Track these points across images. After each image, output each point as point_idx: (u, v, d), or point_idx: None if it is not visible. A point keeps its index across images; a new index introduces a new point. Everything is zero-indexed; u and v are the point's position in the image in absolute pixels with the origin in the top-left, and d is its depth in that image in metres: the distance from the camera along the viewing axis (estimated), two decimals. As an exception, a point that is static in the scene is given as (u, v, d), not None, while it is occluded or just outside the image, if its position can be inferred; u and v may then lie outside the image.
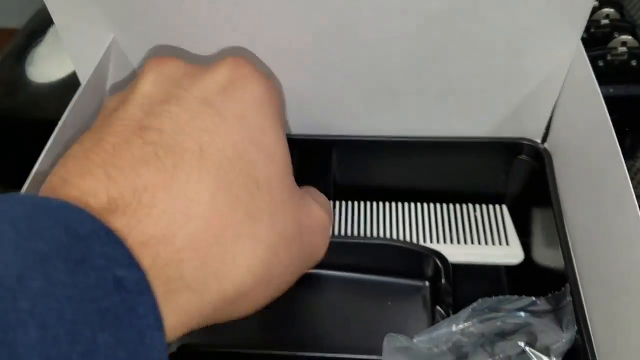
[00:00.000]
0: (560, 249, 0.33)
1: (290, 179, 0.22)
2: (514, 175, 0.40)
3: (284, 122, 0.24)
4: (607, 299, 0.29)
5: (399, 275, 0.35)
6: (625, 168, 0.27)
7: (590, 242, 0.32)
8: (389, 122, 0.38)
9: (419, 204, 0.40)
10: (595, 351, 0.28)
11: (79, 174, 0.18)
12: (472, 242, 0.38)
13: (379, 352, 0.29)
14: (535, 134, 0.39)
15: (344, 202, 0.40)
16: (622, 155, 0.28)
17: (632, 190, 0.27)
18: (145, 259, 0.17)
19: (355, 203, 0.40)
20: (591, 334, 0.29)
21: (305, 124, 0.38)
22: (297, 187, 0.23)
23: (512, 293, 0.38)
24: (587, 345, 0.28)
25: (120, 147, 0.19)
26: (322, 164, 0.39)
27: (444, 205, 0.40)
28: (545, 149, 0.38)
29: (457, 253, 0.36)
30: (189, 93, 0.21)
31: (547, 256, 0.36)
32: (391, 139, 0.38)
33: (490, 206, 0.41)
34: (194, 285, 0.18)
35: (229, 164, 0.20)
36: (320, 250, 0.24)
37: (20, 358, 0.13)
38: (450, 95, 0.36)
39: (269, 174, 0.21)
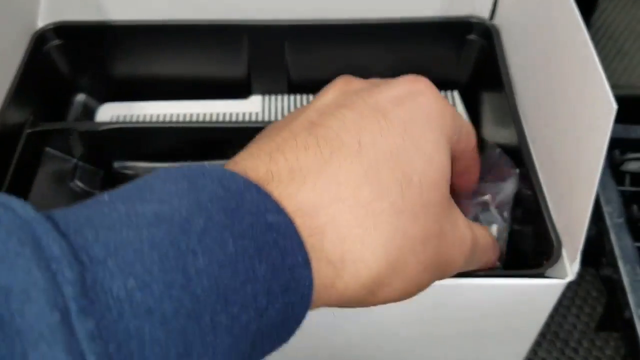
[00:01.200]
0: (513, 125, 0.33)
1: (444, 187, 0.23)
2: (464, 58, 0.40)
3: (450, 142, 0.24)
4: (562, 175, 0.30)
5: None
6: (586, 32, 0.27)
7: (543, 118, 0.32)
8: (334, 3, 0.36)
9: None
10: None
11: (246, 157, 0.20)
12: None
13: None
14: (482, 11, 0.39)
15: (298, 95, 0.40)
16: (582, 22, 0.28)
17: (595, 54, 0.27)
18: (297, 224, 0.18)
19: (310, 95, 0.40)
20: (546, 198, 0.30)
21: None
22: (451, 199, 0.24)
23: None
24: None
25: (288, 138, 0.21)
26: (275, 55, 0.38)
27: None
28: (493, 26, 0.38)
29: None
30: (363, 100, 0.22)
31: (500, 135, 0.36)
32: (341, 23, 0.37)
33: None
34: (333, 259, 0.19)
35: (383, 159, 0.21)
36: (455, 265, 0.24)
37: (191, 279, 0.15)
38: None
39: (424, 175, 0.22)
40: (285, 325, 0.18)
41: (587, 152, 0.27)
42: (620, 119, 0.41)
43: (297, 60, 0.39)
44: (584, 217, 0.26)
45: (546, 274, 0.29)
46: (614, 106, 0.24)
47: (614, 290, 0.34)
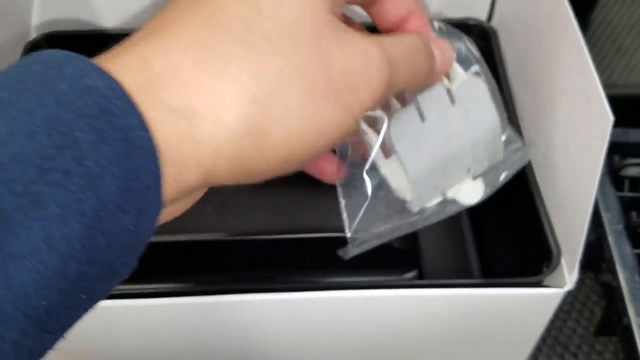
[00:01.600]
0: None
1: (318, 7, 0.19)
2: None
3: None
4: (561, 183, 0.29)
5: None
6: (583, 39, 0.27)
7: (542, 125, 0.32)
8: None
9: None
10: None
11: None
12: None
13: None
14: (480, 13, 0.38)
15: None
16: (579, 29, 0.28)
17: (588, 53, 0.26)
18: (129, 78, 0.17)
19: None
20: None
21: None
22: (335, 20, 0.20)
23: None
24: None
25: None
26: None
27: None
28: (491, 27, 0.38)
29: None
30: None
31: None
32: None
33: None
34: (181, 109, 0.17)
35: None
36: (366, 88, 0.19)
37: None
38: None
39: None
40: (140, 192, 0.16)
41: (585, 163, 0.27)
42: (619, 119, 0.41)
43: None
44: (582, 226, 0.26)
45: (545, 283, 0.29)
46: (610, 118, 0.24)
47: (613, 297, 0.34)
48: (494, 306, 0.30)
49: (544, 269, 0.29)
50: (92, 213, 0.15)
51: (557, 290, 0.28)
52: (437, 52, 0.23)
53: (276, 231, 0.33)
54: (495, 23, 0.38)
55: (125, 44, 0.18)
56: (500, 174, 0.26)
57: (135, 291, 0.27)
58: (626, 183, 0.36)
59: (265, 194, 0.34)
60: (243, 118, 0.17)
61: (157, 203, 0.16)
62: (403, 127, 0.22)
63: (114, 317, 0.29)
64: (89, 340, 0.30)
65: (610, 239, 0.34)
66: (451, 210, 0.25)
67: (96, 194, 0.15)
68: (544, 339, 0.37)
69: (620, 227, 0.34)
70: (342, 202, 0.24)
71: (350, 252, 0.25)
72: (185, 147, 0.17)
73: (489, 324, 0.31)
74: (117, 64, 0.17)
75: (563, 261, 0.29)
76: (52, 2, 0.37)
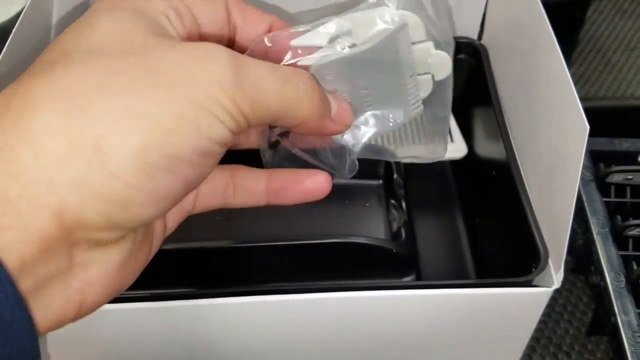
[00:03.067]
0: (501, 140, 0.35)
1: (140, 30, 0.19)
2: (455, 76, 0.42)
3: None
4: (549, 189, 0.31)
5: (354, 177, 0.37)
6: (561, 56, 0.29)
7: (529, 135, 0.34)
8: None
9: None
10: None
11: None
12: (420, 142, 0.39)
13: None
14: (471, 32, 0.41)
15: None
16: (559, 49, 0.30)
17: (569, 74, 0.29)
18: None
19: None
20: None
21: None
22: (167, 39, 0.20)
23: (457, 186, 0.42)
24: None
25: None
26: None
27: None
28: (481, 45, 0.40)
29: (406, 152, 0.38)
30: None
31: (489, 149, 0.38)
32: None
33: None
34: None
35: None
36: (206, 85, 0.18)
37: None
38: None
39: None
40: None
41: (565, 171, 0.29)
42: (608, 130, 0.43)
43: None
44: (566, 229, 0.28)
45: (534, 283, 0.31)
46: (586, 127, 0.26)
47: (601, 297, 0.35)
48: (487, 305, 0.31)
49: (533, 269, 0.31)
50: None
51: (546, 290, 0.30)
52: (333, 101, 0.22)
53: (276, 239, 0.35)
54: (485, 41, 0.41)
55: None
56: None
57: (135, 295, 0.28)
58: (612, 189, 0.38)
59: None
60: (69, 139, 0.16)
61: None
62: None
63: (112, 321, 0.30)
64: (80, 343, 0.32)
65: (597, 242, 0.36)
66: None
67: None
68: (537, 340, 0.39)
69: (606, 230, 0.36)
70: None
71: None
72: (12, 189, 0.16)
73: (484, 323, 0.32)
74: None
75: (550, 262, 0.31)
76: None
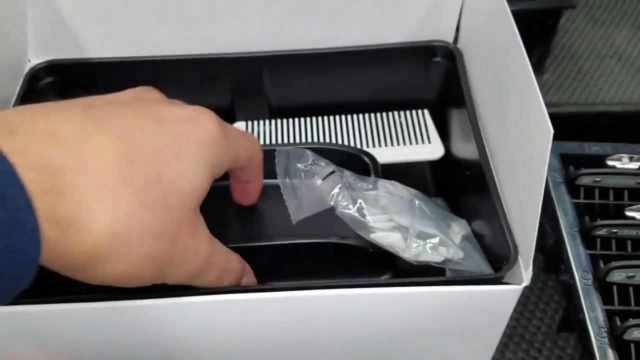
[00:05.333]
0: (474, 142, 0.36)
1: (193, 201, 0.25)
2: (431, 78, 0.43)
3: (213, 169, 0.26)
4: (519, 190, 0.32)
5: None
6: (526, 55, 0.30)
7: (499, 137, 0.35)
8: (310, 34, 0.39)
9: (348, 116, 0.42)
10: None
11: (12, 112, 0.22)
12: (398, 144, 0.40)
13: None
14: (447, 35, 0.42)
15: (279, 120, 0.42)
16: (527, 60, 0.31)
17: (535, 81, 0.30)
18: (29, 176, 0.20)
19: (290, 120, 0.42)
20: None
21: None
22: (199, 216, 0.26)
23: (435, 186, 0.43)
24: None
25: (60, 109, 0.23)
26: (255, 84, 0.41)
27: (372, 115, 0.43)
28: (456, 48, 0.41)
29: (386, 154, 0.39)
30: (148, 106, 0.25)
31: (464, 150, 0.39)
32: (316, 52, 0.40)
33: (413, 111, 0.43)
34: (62, 220, 0.20)
35: (143, 153, 0.23)
36: (181, 271, 0.25)
37: None
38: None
39: (174, 182, 0.24)
40: (16, 264, 0.20)
41: (532, 173, 0.30)
42: (580, 134, 0.44)
43: (276, 87, 0.41)
44: (533, 228, 0.29)
45: (505, 280, 0.32)
46: (551, 130, 0.27)
47: (570, 294, 0.37)
48: (459, 302, 0.32)
49: (503, 266, 0.32)
50: None
51: (516, 287, 0.31)
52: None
53: (250, 240, 0.35)
54: (460, 44, 0.42)
55: (47, 138, 0.21)
56: None
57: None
58: (581, 191, 0.39)
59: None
60: (95, 246, 0.21)
61: (30, 273, 0.20)
62: None
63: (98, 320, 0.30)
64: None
65: (567, 241, 0.37)
66: None
67: None
68: (510, 336, 0.40)
69: (575, 230, 0.37)
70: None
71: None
72: (52, 248, 0.20)
73: (456, 320, 0.33)
74: (34, 158, 0.20)
75: (520, 260, 0.32)
76: (48, 33, 0.40)
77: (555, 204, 0.39)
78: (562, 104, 0.53)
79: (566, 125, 0.53)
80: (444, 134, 0.42)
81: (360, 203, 0.33)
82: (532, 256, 0.30)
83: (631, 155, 0.39)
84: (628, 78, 0.56)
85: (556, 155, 0.41)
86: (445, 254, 0.33)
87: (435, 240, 0.33)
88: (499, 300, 0.32)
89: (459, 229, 0.35)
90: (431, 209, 0.34)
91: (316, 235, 0.35)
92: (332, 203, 0.33)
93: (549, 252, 0.41)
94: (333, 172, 0.34)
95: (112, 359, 0.33)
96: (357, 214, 0.33)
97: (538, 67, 0.56)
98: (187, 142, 0.25)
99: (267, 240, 0.35)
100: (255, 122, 0.42)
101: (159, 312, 0.30)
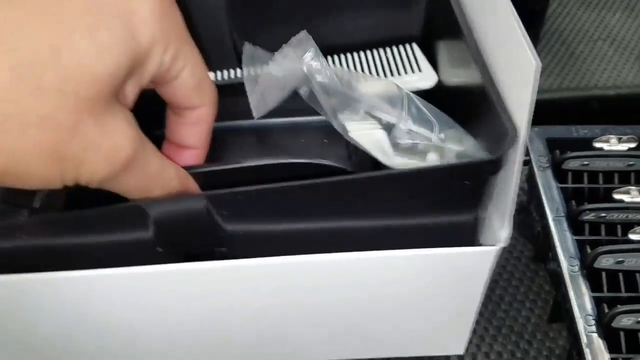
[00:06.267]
0: (475, 68, 0.33)
1: (102, 89, 0.21)
2: (415, 9, 0.40)
3: (134, 53, 0.22)
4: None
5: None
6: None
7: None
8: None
9: (330, 57, 0.40)
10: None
11: None
12: (391, 75, 0.38)
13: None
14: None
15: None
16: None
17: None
18: None
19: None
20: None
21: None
22: (115, 104, 0.22)
23: None
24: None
25: None
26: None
27: (358, 54, 0.40)
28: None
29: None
30: None
31: (461, 76, 0.36)
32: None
33: (401, 46, 0.40)
34: None
35: (34, 13, 0.19)
36: (91, 169, 0.21)
37: None
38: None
39: (76, 59, 0.20)
40: None
41: (514, 110, 0.27)
42: (570, 119, 0.43)
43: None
44: (512, 179, 0.26)
45: (481, 242, 0.29)
46: (533, 63, 0.25)
47: (559, 283, 0.35)
48: (434, 266, 0.30)
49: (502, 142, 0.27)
50: None
51: (491, 248, 0.29)
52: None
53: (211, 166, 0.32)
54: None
55: None
56: None
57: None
58: (569, 176, 0.38)
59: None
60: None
61: None
62: None
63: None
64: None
65: (552, 227, 0.36)
66: None
67: None
68: (499, 329, 0.39)
69: (562, 216, 0.36)
70: None
71: None
72: None
73: (432, 286, 0.31)
74: None
75: (495, 219, 0.29)
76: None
77: (541, 189, 0.37)
78: (554, 89, 0.52)
79: (558, 111, 0.51)
80: (435, 64, 0.39)
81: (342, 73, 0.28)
82: (510, 212, 0.27)
83: (620, 137, 0.38)
84: (622, 61, 0.54)
85: (542, 139, 0.40)
86: (434, 162, 0.29)
87: (427, 143, 0.29)
88: (474, 263, 0.30)
89: (457, 137, 0.31)
90: (428, 107, 0.30)
91: (289, 156, 0.32)
92: (304, 70, 0.27)
93: (537, 241, 0.40)
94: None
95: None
96: (338, 83, 0.28)
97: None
98: (109, 9, 0.20)
99: (227, 164, 0.31)
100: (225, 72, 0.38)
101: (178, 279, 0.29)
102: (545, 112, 0.39)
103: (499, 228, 0.28)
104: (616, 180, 0.38)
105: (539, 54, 0.58)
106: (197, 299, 0.31)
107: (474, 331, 0.39)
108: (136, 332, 0.33)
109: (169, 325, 0.33)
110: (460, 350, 0.37)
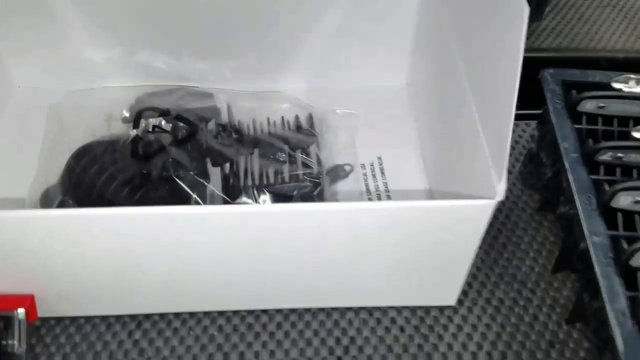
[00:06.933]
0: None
1: None
2: None
3: None
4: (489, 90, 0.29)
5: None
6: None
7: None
8: None
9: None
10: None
11: None
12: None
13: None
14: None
15: None
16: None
17: None
18: None
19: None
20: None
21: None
22: None
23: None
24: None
25: None
26: None
27: None
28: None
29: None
30: None
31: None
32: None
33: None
34: None
35: None
36: None
37: None
38: None
39: None
40: None
41: (506, 66, 0.27)
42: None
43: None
44: (507, 132, 0.26)
45: (479, 195, 0.29)
46: (524, 8, 0.24)
47: (570, 227, 0.33)
48: (434, 218, 0.30)
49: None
50: None
51: (489, 201, 0.28)
52: None
53: None
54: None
55: None
56: None
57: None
58: (584, 119, 0.36)
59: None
60: None
61: None
62: None
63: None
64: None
65: (567, 166, 0.34)
66: None
67: None
68: (501, 276, 0.37)
69: (577, 155, 0.34)
70: None
71: None
72: None
73: (429, 238, 0.31)
74: None
75: (493, 173, 0.29)
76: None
77: (556, 129, 0.35)
78: (562, 49, 0.50)
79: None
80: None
81: None
82: (506, 166, 0.27)
83: (639, 78, 0.36)
84: (630, 28, 0.53)
85: (557, 81, 0.38)
86: None
87: None
88: (473, 215, 0.29)
89: None
90: None
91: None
92: None
93: (546, 188, 0.38)
94: None
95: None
96: None
97: (537, 14, 0.53)
98: None
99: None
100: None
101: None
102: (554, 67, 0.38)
103: (497, 182, 0.28)
104: (631, 125, 0.36)
105: (548, 15, 0.57)
106: (203, 244, 0.31)
107: (475, 277, 0.37)
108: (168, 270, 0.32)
109: (177, 265, 0.32)
110: (451, 301, 0.36)
